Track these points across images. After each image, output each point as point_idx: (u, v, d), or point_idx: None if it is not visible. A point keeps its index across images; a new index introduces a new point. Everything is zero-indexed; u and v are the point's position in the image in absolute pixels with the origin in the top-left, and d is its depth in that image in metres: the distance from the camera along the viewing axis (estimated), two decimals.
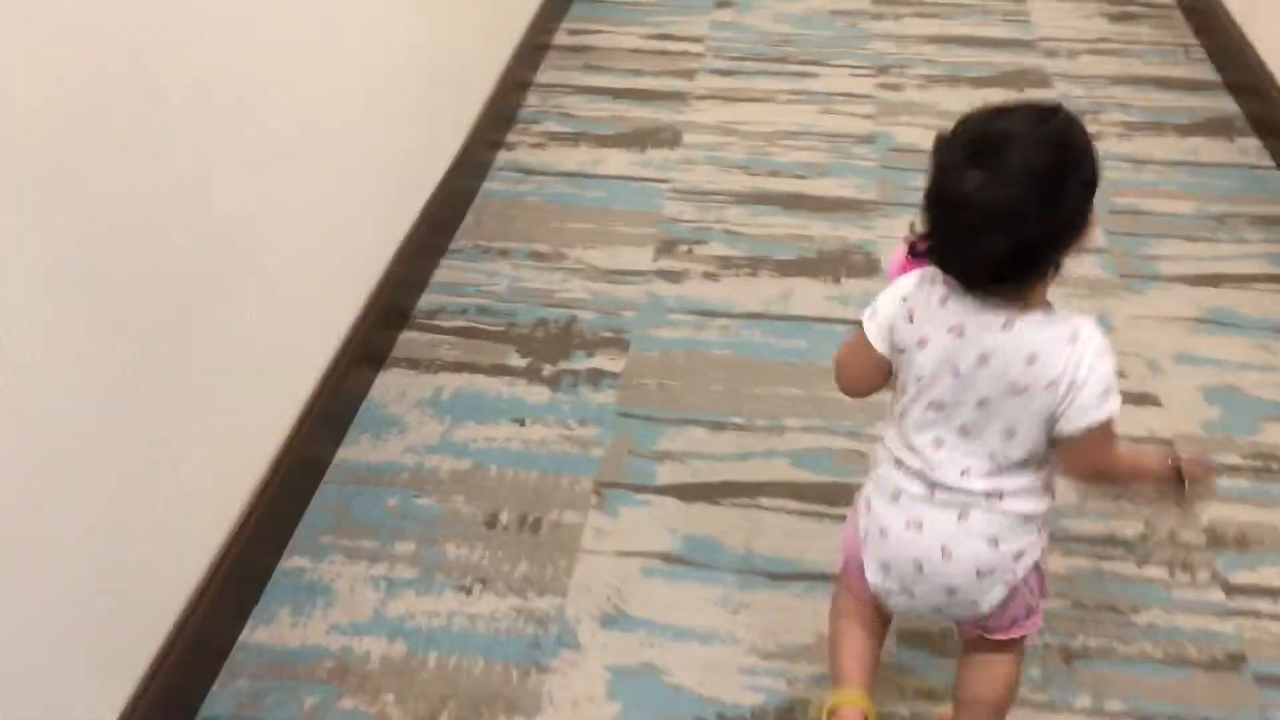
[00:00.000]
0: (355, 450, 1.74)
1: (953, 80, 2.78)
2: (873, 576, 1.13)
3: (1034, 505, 1.07)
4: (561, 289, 2.10)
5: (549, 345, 1.96)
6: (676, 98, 2.72)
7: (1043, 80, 2.78)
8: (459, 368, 1.91)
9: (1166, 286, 2.09)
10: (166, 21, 1.26)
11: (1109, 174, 2.43)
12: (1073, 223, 0.97)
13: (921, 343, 1.04)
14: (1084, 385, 0.99)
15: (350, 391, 1.81)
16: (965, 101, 2.69)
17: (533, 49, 2.81)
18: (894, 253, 1.13)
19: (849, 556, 1.17)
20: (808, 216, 2.30)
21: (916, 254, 1.02)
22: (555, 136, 2.57)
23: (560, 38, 3.00)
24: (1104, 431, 1.02)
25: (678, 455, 1.74)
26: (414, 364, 1.92)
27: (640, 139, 2.56)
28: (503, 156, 2.50)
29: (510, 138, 2.57)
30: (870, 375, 1.12)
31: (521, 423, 1.79)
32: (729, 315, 2.03)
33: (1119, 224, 2.26)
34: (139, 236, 1.23)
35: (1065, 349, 1.00)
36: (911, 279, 1.08)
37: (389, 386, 1.87)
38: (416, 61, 2.10)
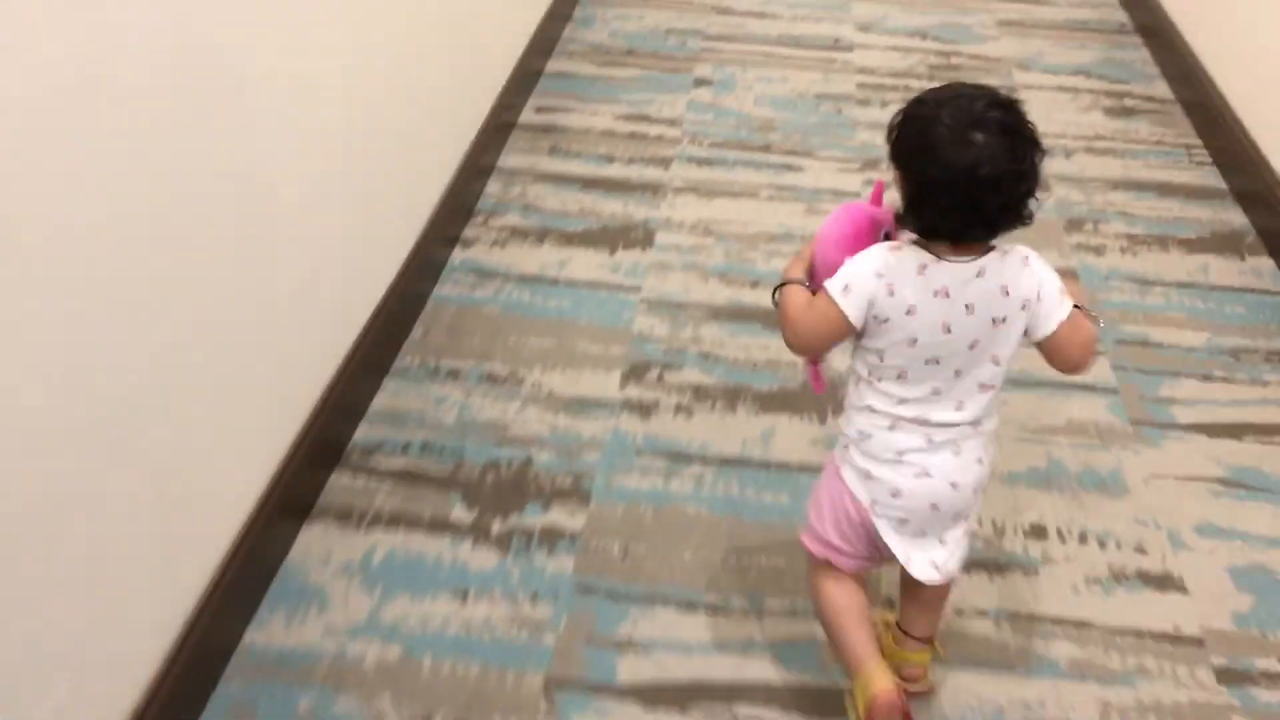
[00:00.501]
0: (267, 632, 1.50)
1: None
2: (889, 537, 1.27)
3: (995, 423, 1.29)
4: (517, 421, 1.88)
5: (500, 494, 1.74)
6: (650, 190, 2.52)
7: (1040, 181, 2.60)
8: (395, 522, 1.68)
9: (1183, 437, 1.90)
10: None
11: (1114, 296, 2.28)
12: (1036, 181, 1.16)
13: (910, 311, 1.19)
14: (1045, 294, 1.20)
15: (268, 554, 1.58)
16: None
17: (497, 128, 2.60)
18: (835, 218, 1.26)
19: (828, 534, 1.31)
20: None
21: (900, 225, 1.20)
22: (517, 232, 2.36)
23: (527, 116, 2.80)
24: (1074, 320, 1.22)
25: (642, 645, 1.51)
26: (344, 516, 1.69)
27: (610, 238, 2.35)
28: (459, 255, 2.28)
29: (468, 232, 2.35)
30: (833, 341, 1.26)
31: (464, 596, 1.57)
32: (703, 459, 1.82)
33: (1128, 357, 2.08)
34: None
35: (1024, 272, 1.20)
36: (876, 257, 1.20)
37: (312, 546, 1.64)
38: (371, 146, 1.88)
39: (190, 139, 1.30)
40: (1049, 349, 1.24)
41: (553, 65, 3.05)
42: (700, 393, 1.96)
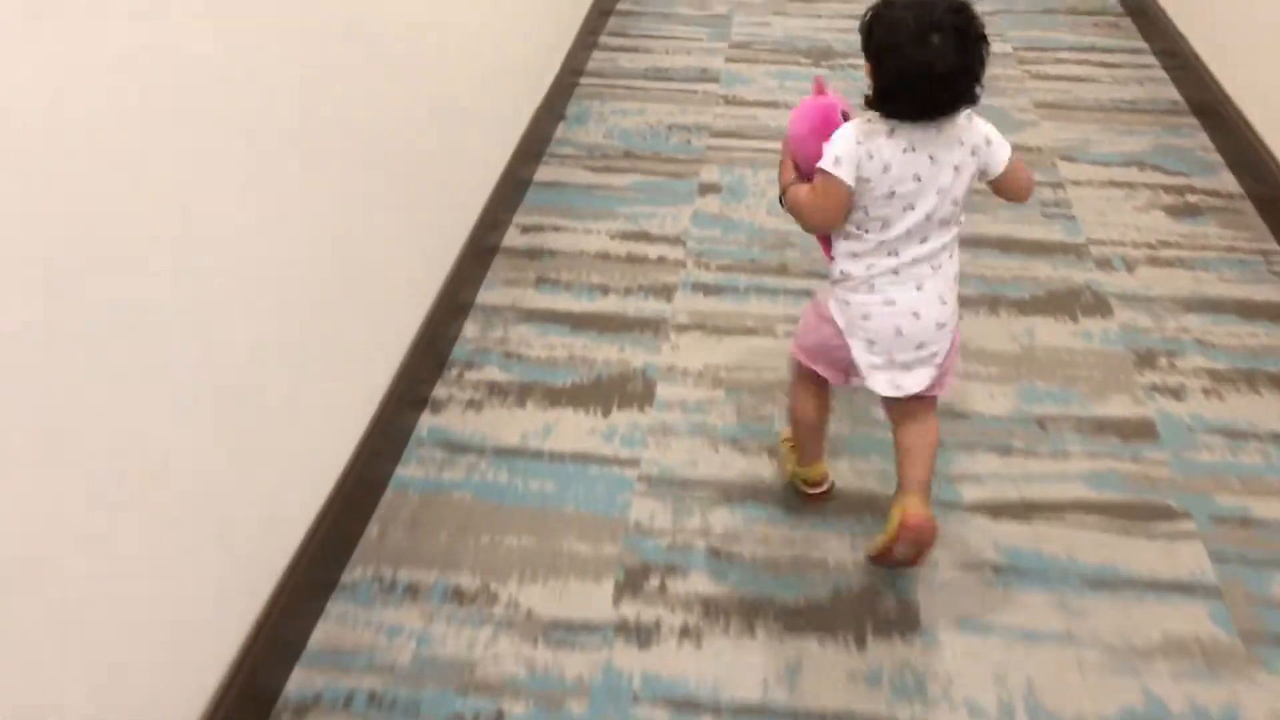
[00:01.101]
0: None
1: (992, 304, 2.26)
2: (859, 354, 1.53)
3: (955, 268, 1.53)
4: (486, 658, 1.54)
5: None
6: (651, 328, 2.19)
7: (1099, 304, 2.26)
8: None
9: None
10: None
11: (1202, 455, 1.92)
12: (983, 70, 1.40)
13: (886, 168, 1.44)
14: (992, 140, 1.50)
15: None
16: (1017, 343, 2.21)
17: (477, 255, 2.29)
18: (796, 117, 1.54)
19: (816, 354, 1.60)
20: (817, 527, 1.76)
21: (870, 107, 1.44)
22: (496, 389, 2.03)
23: (512, 237, 2.48)
24: (1017, 160, 1.52)
25: None
26: None
27: (603, 393, 2.02)
28: (426, 422, 1.96)
29: (439, 391, 2.03)
30: (843, 210, 1.48)
31: None
32: (715, 709, 1.47)
33: (1227, 541, 1.72)
34: None
35: (970, 126, 1.48)
36: (851, 131, 1.46)
37: None
38: (329, 294, 1.57)
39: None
40: (1001, 186, 1.54)
41: (543, 173, 2.74)
42: (710, 607, 1.62)
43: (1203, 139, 2.90)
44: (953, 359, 1.56)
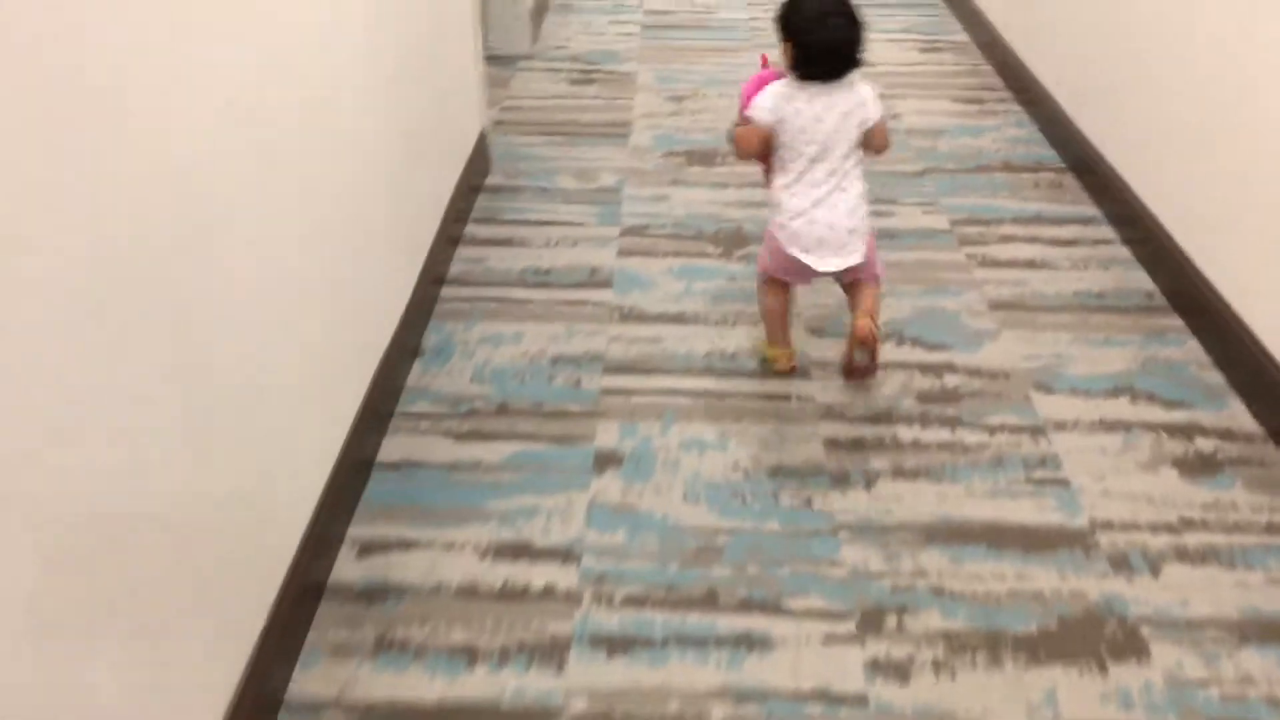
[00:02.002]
0: None
1: (992, 648, 1.69)
2: (798, 254, 2.13)
3: (861, 185, 2.15)
4: None
5: None
6: None
7: (1129, 639, 1.70)
8: None
9: None
10: None
11: None
12: (863, 44, 2.08)
13: (797, 112, 2.09)
14: (870, 100, 2.12)
15: None
16: (1023, 700, 1.66)
17: (292, 610, 1.65)
18: (749, 82, 2.20)
19: (772, 263, 2.21)
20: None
21: (794, 67, 2.10)
22: None
23: (343, 567, 1.84)
24: (883, 121, 2.16)
25: None
26: None
27: None
28: None
29: None
30: (758, 143, 2.17)
31: None
32: None
33: None
34: None
35: (857, 87, 2.12)
36: (774, 87, 2.13)
37: None
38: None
39: None
40: (871, 134, 2.15)
41: (390, 448, 2.11)
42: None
43: (1194, 348, 2.42)
44: (873, 256, 2.18)
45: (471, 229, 2.91)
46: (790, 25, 2.12)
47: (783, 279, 2.24)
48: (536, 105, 3.72)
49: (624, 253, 2.80)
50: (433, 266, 2.57)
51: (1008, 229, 2.93)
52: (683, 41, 4.35)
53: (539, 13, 4.44)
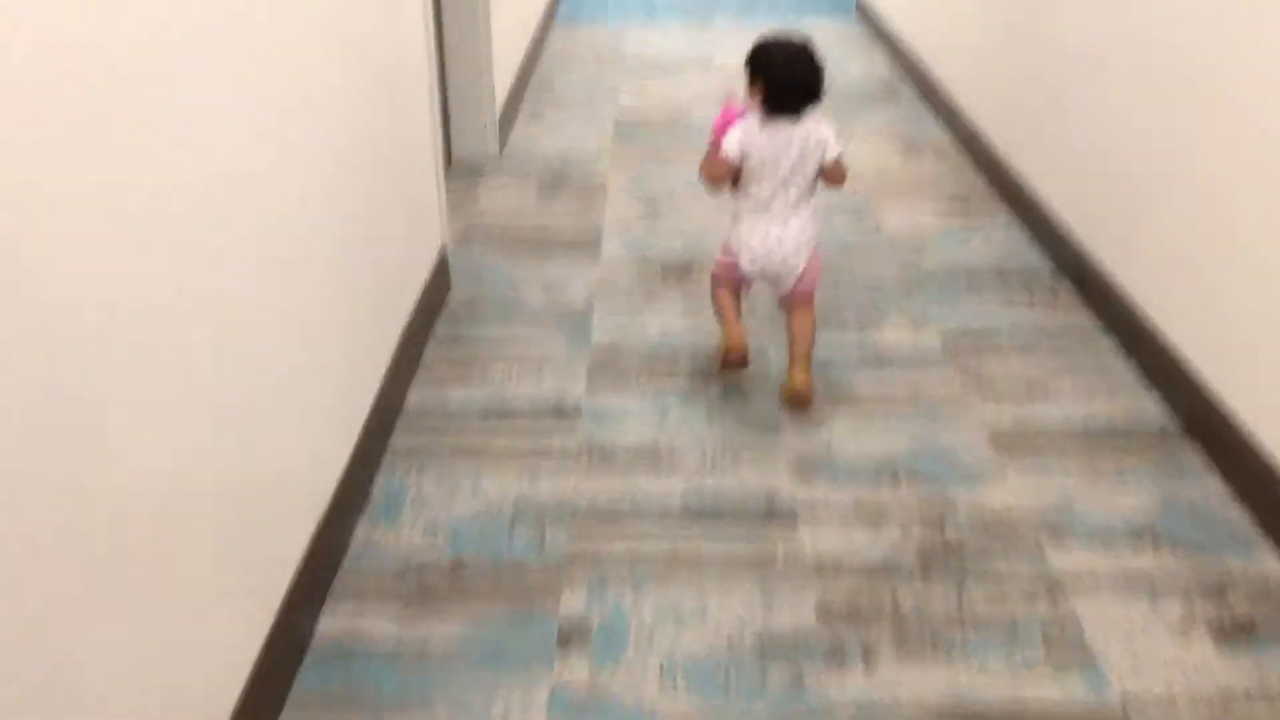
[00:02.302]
0: None
1: None
2: (746, 265, 2.45)
3: (811, 213, 2.44)
4: None
5: None
6: None
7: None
8: None
9: None
10: None
11: None
12: (823, 85, 2.36)
13: (760, 146, 2.35)
14: (829, 138, 2.37)
15: None
16: None
17: None
18: (719, 117, 2.42)
19: (725, 269, 2.51)
20: None
21: (764, 104, 2.35)
22: None
23: None
24: (842, 161, 2.41)
25: None
26: None
27: None
28: None
29: None
30: (731, 169, 2.41)
31: None
32: None
33: None
34: None
35: (817, 126, 2.36)
36: (741, 125, 2.37)
37: None
38: None
39: None
40: (827, 170, 2.40)
41: (329, 624, 1.86)
42: None
43: (1216, 487, 2.22)
44: (811, 273, 2.47)
45: (430, 356, 2.70)
46: (760, 66, 2.38)
47: (727, 281, 2.56)
48: (504, 216, 3.54)
49: (593, 381, 2.60)
50: (385, 403, 2.36)
51: (1004, 346, 2.74)
52: (657, 143, 4.21)
53: (508, 117, 4.31)
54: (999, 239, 3.36)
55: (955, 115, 4.24)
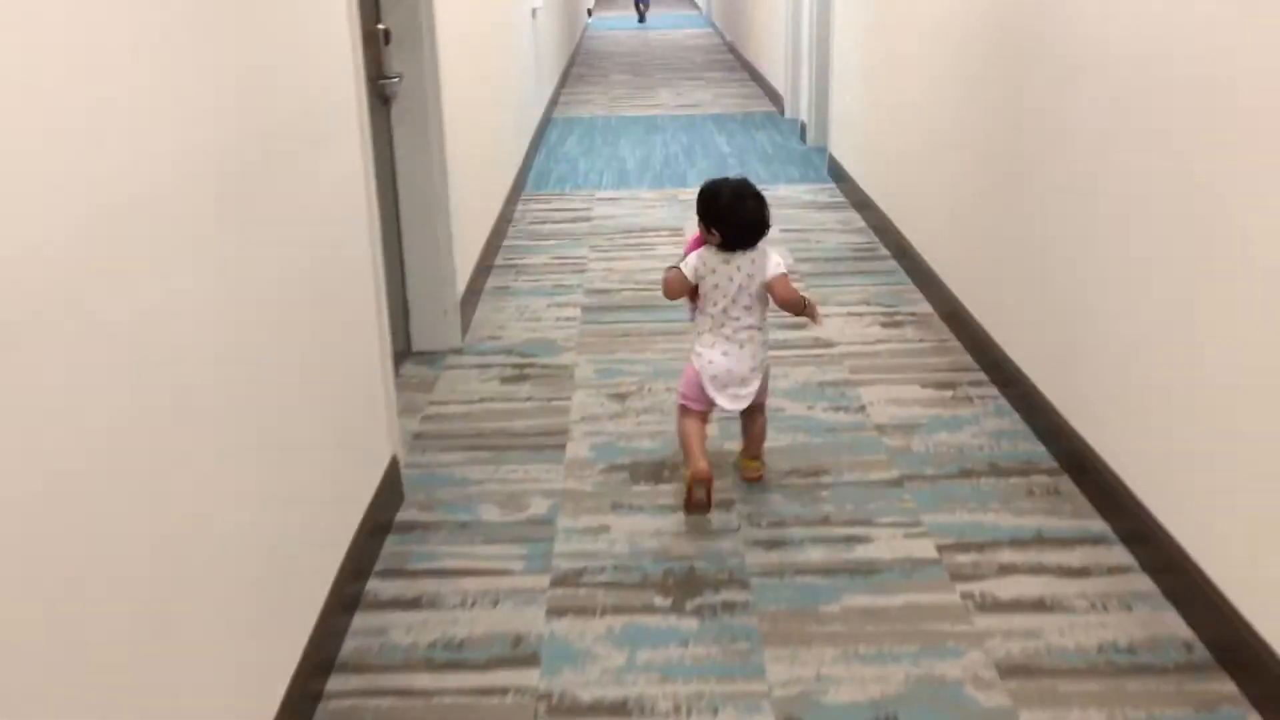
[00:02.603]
0: None
1: None
2: (709, 388, 2.69)
3: (764, 337, 2.72)
4: None
5: None
6: None
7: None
8: None
9: None
10: None
11: None
12: (769, 219, 2.65)
13: (712, 270, 2.63)
14: (771, 264, 2.63)
15: None
16: None
17: None
18: (687, 246, 2.75)
19: (688, 394, 2.74)
20: None
21: (717, 239, 2.63)
22: None
23: None
24: (784, 278, 2.65)
25: None
26: None
27: None
28: None
29: None
30: (680, 288, 2.72)
31: None
32: None
33: None
34: None
35: (763, 252, 2.64)
36: (698, 252, 2.66)
37: None
38: None
39: None
40: (772, 288, 2.66)
41: None
42: None
43: None
44: (765, 390, 2.82)
45: (373, 586, 2.44)
46: (710, 210, 2.67)
47: (695, 408, 2.75)
48: (463, 412, 3.33)
49: (554, 611, 2.34)
50: (317, 651, 2.09)
51: (1006, 555, 2.50)
52: (626, 325, 4.04)
53: (472, 298, 4.15)
54: (991, 425, 3.15)
55: (937, 286, 4.10)
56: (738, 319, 2.67)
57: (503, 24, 5.63)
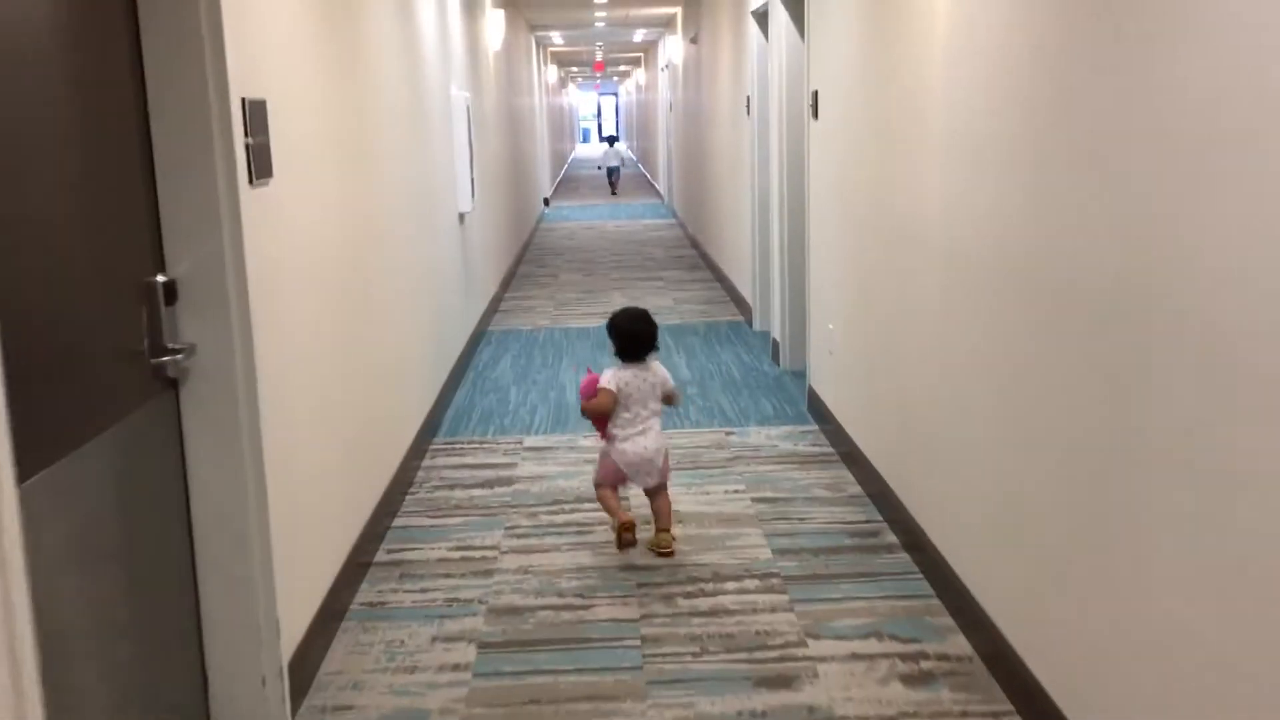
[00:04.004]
0: None
1: None
2: (626, 470, 3.64)
3: (660, 425, 3.74)
4: None
5: None
6: None
7: None
8: None
9: None
10: None
11: None
12: (657, 338, 3.77)
13: (626, 383, 3.64)
14: (664, 374, 3.75)
15: None
16: None
17: None
18: (585, 380, 3.76)
19: (607, 471, 3.68)
20: None
21: (620, 356, 3.75)
22: None
23: None
24: (674, 389, 3.81)
25: None
26: None
27: None
28: None
29: None
30: (614, 402, 3.63)
31: None
32: None
33: None
34: None
35: (656, 366, 3.74)
36: (611, 371, 3.68)
37: None
38: None
39: None
40: (667, 395, 3.72)
41: None
42: None
43: None
44: (666, 468, 3.73)
45: None
46: (615, 331, 3.76)
47: (607, 483, 3.70)
48: None
49: None
50: None
51: None
52: (537, 682, 2.81)
53: (322, 633, 2.93)
54: None
55: (971, 608, 2.93)
56: (644, 417, 3.66)
57: (404, 237, 4.61)
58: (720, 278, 9.17)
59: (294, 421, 2.82)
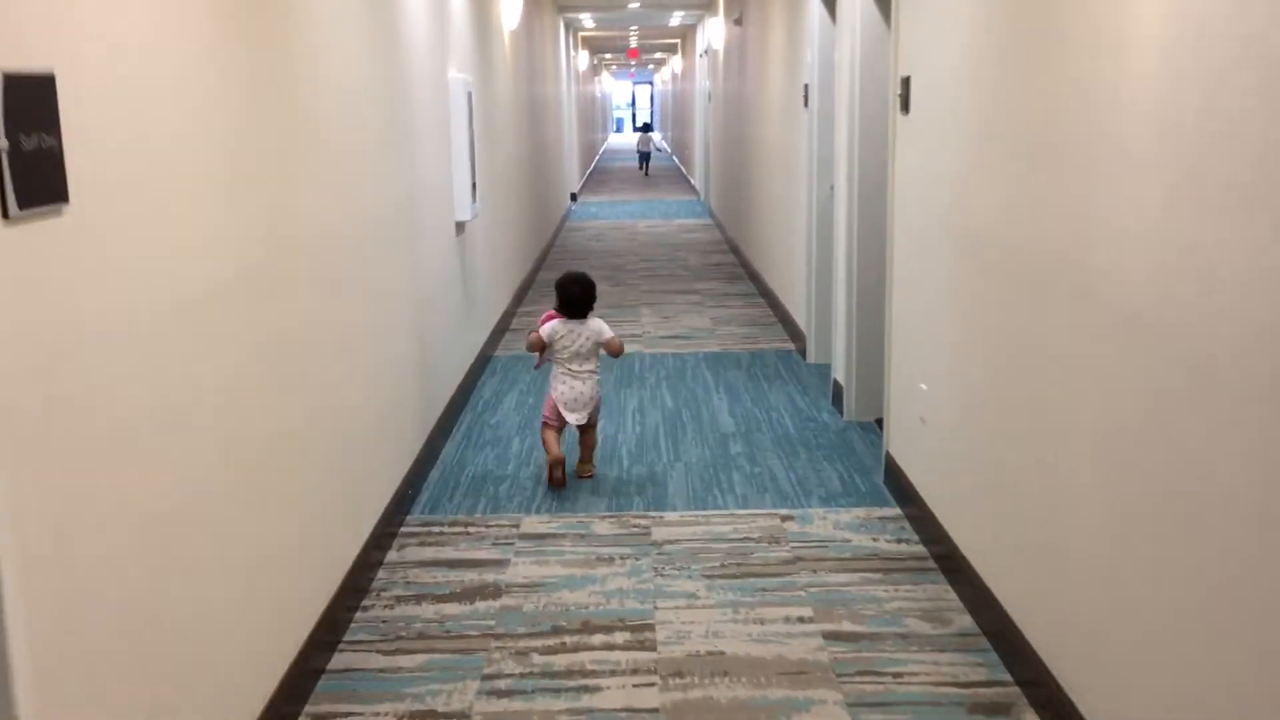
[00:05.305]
0: None
1: None
2: (563, 409, 4.27)
3: (597, 374, 4.41)
4: None
5: None
6: None
7: None
8: None
9: None
10: None
11: None
12: (595, 296, 4.45)
13: (561, 335, 4.30)
14: (603, 328, 4.38)
15: None
16: None
17: None
18: (541, 320, 4.41)
19: (547, 413, 4.31)
20: None
21: (558, 312, 4.35)
22: None
23: None
24: (613, 338, 4.40)
25: None
26: None
27: None
28: None
29: None
30: (540, 346, 4.35)
31: None
32: None
33: None
34: None
35: (592, 321, 4.37)
36: (552, 320, 4.34)
37: None
38: None
39: None
40: (606, 346, 4.34)
41: None
42: None
43: None
44: (597, 413, 4.37)
45: None
46: (558, 290, 4.33)
47: (552, 424, 4.26)
48: None
49: None
50: None
51: None
52: None
53: None
54: None
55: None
56: (580, 366, 4.30)
57: (362, 264, 3.54)
58: (765, 292, 8.04)
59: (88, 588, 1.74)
